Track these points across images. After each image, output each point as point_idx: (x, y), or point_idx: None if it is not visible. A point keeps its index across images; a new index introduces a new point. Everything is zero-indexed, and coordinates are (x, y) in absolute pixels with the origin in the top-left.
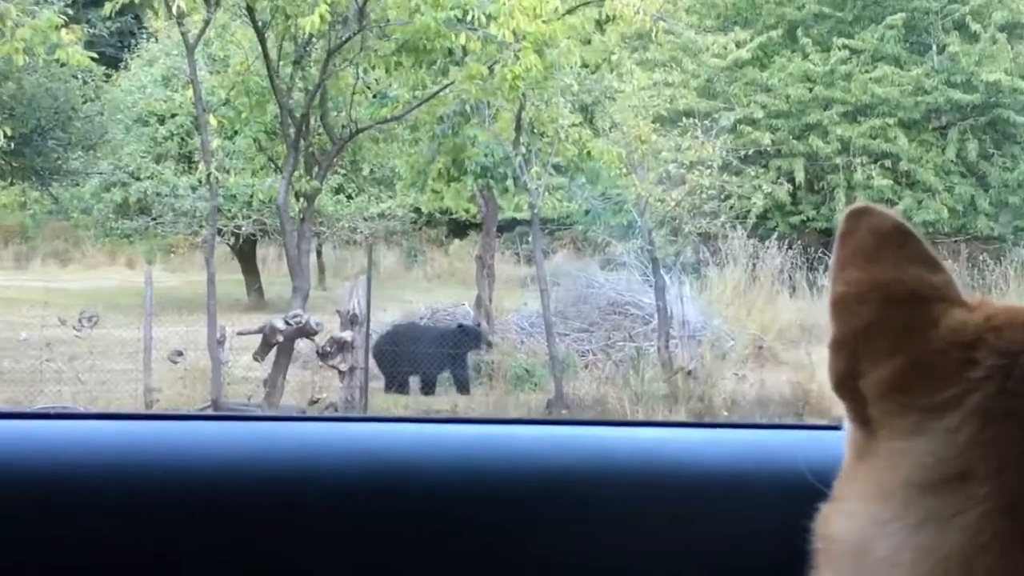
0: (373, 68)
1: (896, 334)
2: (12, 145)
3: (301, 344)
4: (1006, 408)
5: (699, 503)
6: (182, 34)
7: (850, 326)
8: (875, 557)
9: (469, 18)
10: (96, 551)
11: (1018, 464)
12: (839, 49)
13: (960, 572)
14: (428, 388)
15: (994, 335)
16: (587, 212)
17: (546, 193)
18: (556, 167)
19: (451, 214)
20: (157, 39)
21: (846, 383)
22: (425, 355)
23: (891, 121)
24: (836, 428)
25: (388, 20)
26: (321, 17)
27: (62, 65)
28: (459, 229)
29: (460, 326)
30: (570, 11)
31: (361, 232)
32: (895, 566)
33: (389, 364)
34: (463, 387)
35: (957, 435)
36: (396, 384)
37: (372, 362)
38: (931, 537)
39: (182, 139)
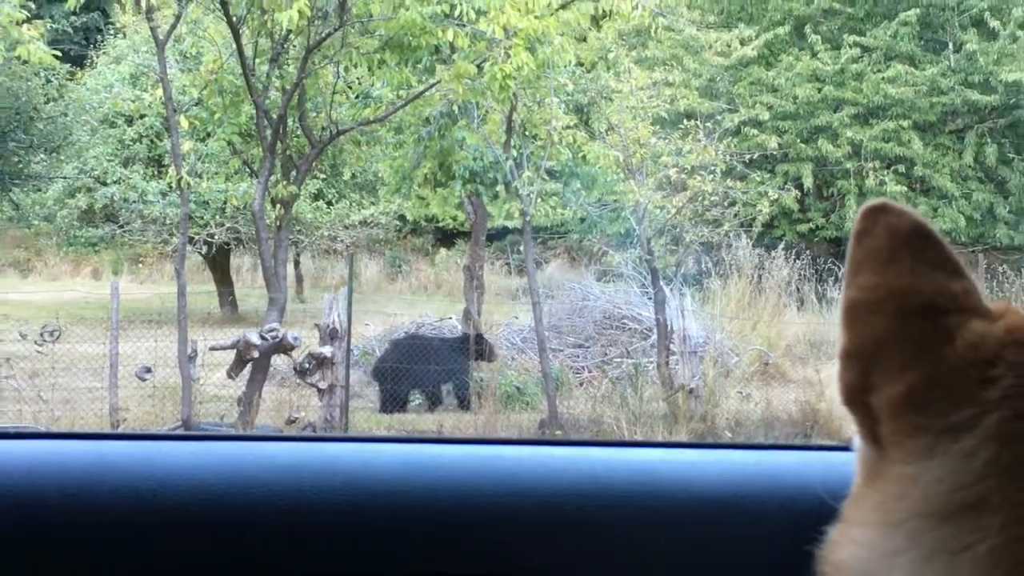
0: (355, 66)
1: (910, 348)
2: None
3: (277, 360)
4: None
5: (701, 527)
6: (151, 30)
7: (862, 336)
8: None
9: (457, 13)
10: (60, 574)
11: None
12: (850, 47)
13: None
14: (435, 403)
15: (1015, 351)
16: (582, 220)
17: (539, 199)
18: (549, 172)
19: (438, 222)
20: (125, 35)
21: (856, 397)
22: (431, 369)
23: (905, 123)
24: (847, 449)
25: (371, 15)
26: (299, 12)
27: (24, 63)
28: (446, 238)
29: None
30: (564, 6)
31: (341, 241)
32: None
33: (389, 381)
34: (464, 402)
35: (971, 460)
36: (394, 402)
37: (353, 378)
38: (941, 571)
39: (151, 141)
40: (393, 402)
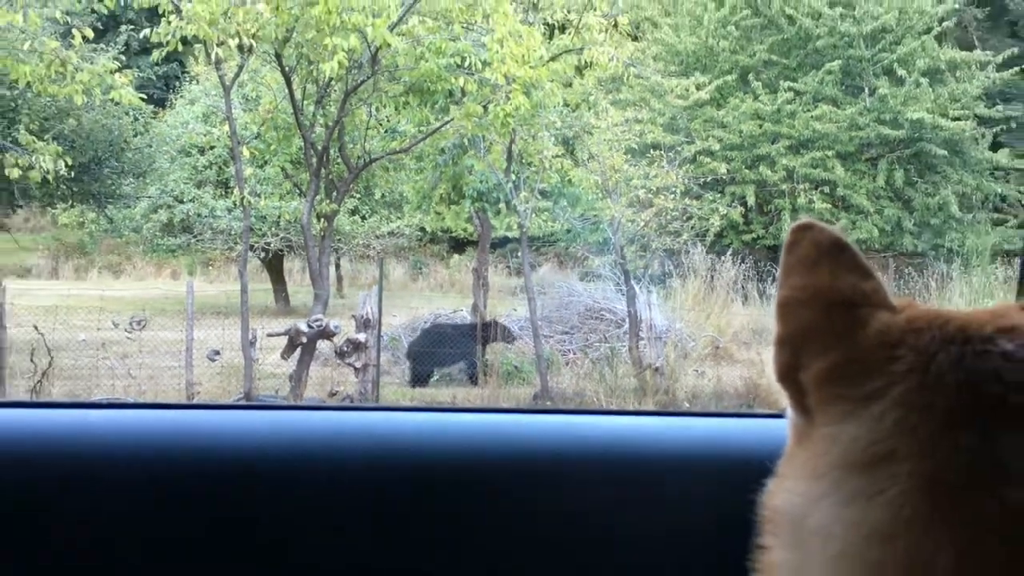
0: (384, 107)
1: (831, 335)
2: (73, 173)
3: (322, 344)
4: (924, 400)
5: (663, 479)
6: (219, 77)
7: (793, 326)
8: (810, 528)
9: (467, 64)
10: (143, 525)
11: (935, 448)
12: (785, 91)
13: (883, 544)
14: (473, 377)
15: (914, 336)
16: (568, 231)
17: (533, 214)
18: (541, 192)
19: (451, 232)
20: (198, 82)
21: (788, 375)
22: (449, 352)
23: (829, 153)
24: (781, 416)
25: (397, 66)
26: (339, 63)
27: (116, 104)
28: (458, 245)
29: (492, 321)
30: (553, 58)
31: (373, 248)
32: (827, 538)
33: (417, 361)
34: (473, 378)
35: (882, 422)
36: (419, 378)
37: (383, 359)
38: (858, 512)
39: (219, 168)
40: (418, 378)
